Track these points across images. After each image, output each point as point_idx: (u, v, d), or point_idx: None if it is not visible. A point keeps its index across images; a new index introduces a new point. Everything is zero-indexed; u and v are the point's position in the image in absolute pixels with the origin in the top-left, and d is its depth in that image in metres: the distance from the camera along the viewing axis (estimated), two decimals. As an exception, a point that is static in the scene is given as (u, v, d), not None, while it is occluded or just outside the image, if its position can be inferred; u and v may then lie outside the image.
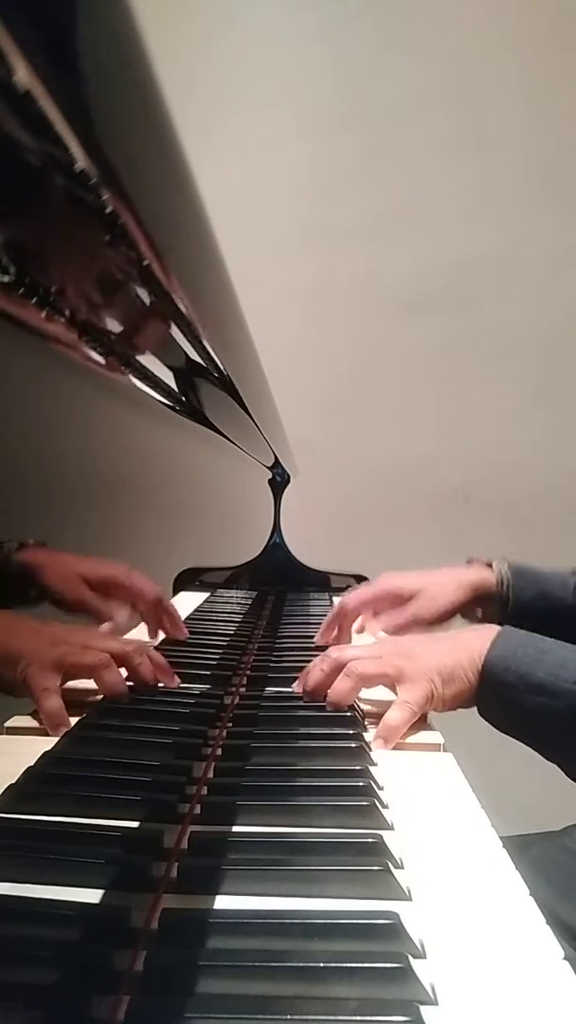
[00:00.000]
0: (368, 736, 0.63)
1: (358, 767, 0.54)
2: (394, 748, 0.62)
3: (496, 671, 0.63)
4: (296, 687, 0.72)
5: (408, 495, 1.91)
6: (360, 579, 1.46)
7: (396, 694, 0.66)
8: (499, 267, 1.88)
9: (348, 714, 0.66)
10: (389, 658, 0.67)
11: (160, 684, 0.70)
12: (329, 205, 1.89)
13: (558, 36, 1.80)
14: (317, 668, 0.69)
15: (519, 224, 1.85)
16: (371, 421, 1.94)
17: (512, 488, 1.89)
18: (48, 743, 0.56)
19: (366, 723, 0.67)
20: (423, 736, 0.64)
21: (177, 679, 0.72)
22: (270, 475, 1.50)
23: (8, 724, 0.61)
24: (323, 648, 0.91)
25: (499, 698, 0.63)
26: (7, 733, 0.60)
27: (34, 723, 0.61)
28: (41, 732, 0.59)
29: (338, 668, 0.67)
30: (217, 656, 0.86)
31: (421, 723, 0.66)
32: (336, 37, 1.83)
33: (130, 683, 0.67)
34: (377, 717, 0.66)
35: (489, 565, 0.87)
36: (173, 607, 0.91)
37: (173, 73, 0.30)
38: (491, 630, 0.67)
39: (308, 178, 1.88)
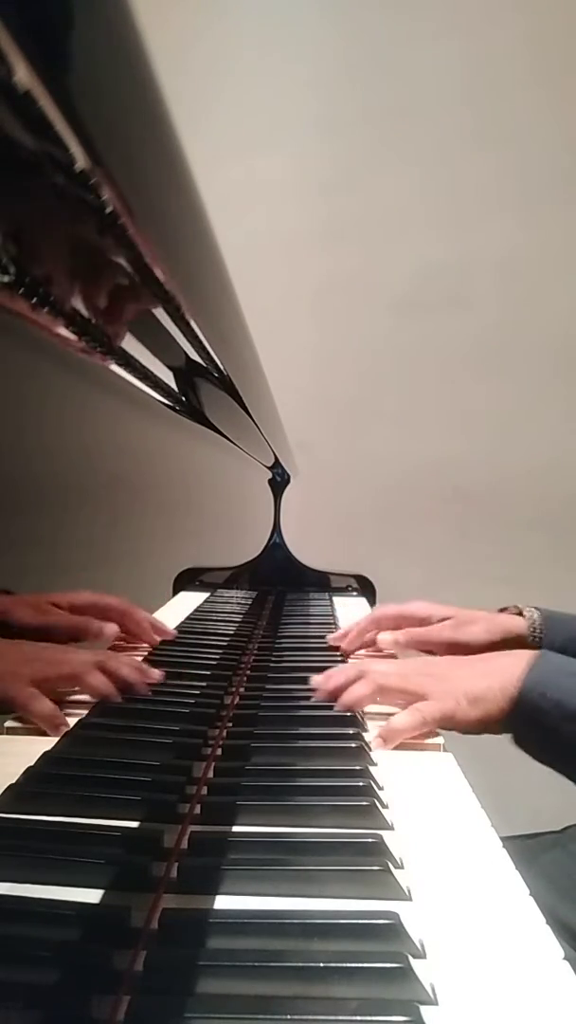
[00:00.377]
0: (368, 737, 0.63)
1: (358, 767, 0.54)
2: (394, 748, 0.62)
3: (532, 697, 0.61)
4: (316, 682, 0.71)
5: (408, 495, 1.91)
6: (360, 579, 1.46)
7: None
8: (501, 267, 1.88)
9: (348, 714, 0.66)
10: (416, 677, 0.66)
11: (146, 683, 0.69)
12: (330, 205, 1.89)
13: (542, 43, 1.79)
14: (343, 672, 0.69)
15: (521, 224, 1.85)
16: (371, 421, 1.94)
17: (512, 488, 1.89)
18: (48, 743, 0.56)
19: (366, 723, 0.67)
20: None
21: (158, 673, 0.70)
22: (270, 475, 1.50)
23: (8, 724, 0.61)
24: (334, 649, 0.91)
25: (535, 725, 0.61)
26: (7, 733, 0.60)
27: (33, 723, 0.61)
28: (41, 732, 0.59)
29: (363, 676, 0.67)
30: (217, 656, 0.86)
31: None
32: (338, 37, 1.83)
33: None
34: (379, 716, 0.66)
35: (520, 613, 0.86)
36: (144, 613, 0.90)
37: (173, 72, 0.30)
38: (527, 655, 0.65)
39: (309, 178, 1.88)
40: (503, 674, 0.63)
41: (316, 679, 0.71)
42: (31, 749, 0.54)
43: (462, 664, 0.69)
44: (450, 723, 0.63)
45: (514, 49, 1.80)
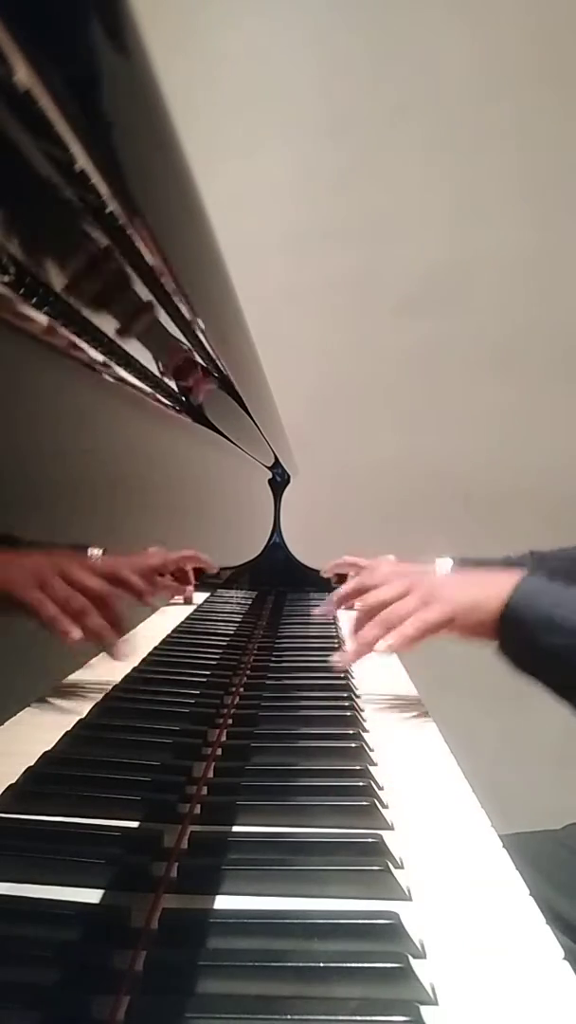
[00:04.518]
0: (368, 737, 0.63)
1: (358, 767, 0.54)
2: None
3: (518, 608, 0.66)
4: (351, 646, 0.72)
5: (408, 495, 1.91)
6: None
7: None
8: (496, 267, 1.88)
9: (348, 714, 0.66)
10: (413, 592, 0.70)
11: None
12: (327, 206, 1.89)
13: (547, 39, 1.79)
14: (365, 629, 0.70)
15: (516, 225, 1.85)
16: (371, 421, 1.94)
17: (512, 488, 1.89)
18: (48, 743, 0.56)
19: (365, 723, 0.67)
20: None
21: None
22: (270, 475, 1.50)
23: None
24: (334, 650, 0.92)
25: (519, 635, 0.66)
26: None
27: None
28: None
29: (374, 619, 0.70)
30: (217, 656, 0.86)
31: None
32: (330, 39, 1.83)
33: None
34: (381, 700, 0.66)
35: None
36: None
37: (171, 76, 0.30)
38: (516, 574, 0.70)
39: (306, 179, 1.88)
40: (496, 586, 0.69)
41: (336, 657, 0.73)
42: (31, 749, 0.54)
43: (456, 576, 0.77)
44: (451, 626, 0.68)
45: (515, 49, 1.80)
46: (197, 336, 0.53)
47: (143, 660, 0.81)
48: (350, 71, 1.84)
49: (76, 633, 0.55)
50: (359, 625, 0.71)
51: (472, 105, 1.83)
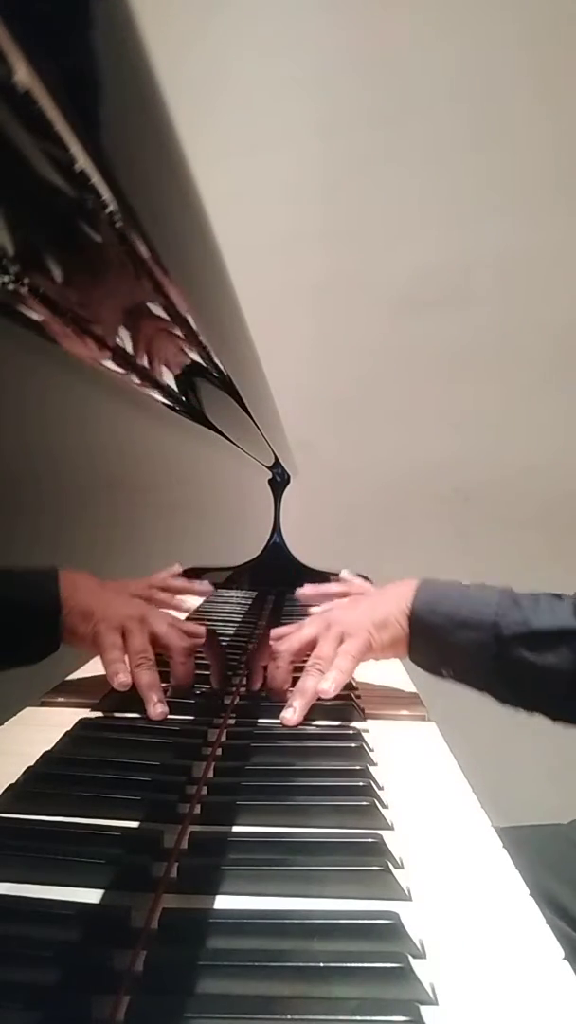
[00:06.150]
0: (368, 737, 0.63)
1: (358, 767, 0.54)
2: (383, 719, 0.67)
3: (424, 615, 0.69)
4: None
5: (408, 495, 1.91)
6: (360, 579, 1.46)
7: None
8: (501, 267, 1.88)
9: (348, 714, 0.66)
10: (326, 632, 0.72)
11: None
12: (331, 204, 1.89)
13: (565, 34, 1.79)
14: (275, 669, 0.72)
15: (522, 224, 1.85)
16: (372, 421, 1.94)
17: (512, 489, 1.89)
18: (48, 743, 0.56)
19: (366, 717, 0.67)
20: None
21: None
22: (270, 475, 1.50)
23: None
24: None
25: (429, 639, 0.69)
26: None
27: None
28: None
29: (290, 659, 0.71)
30: (217, 656, 0.86)
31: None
32: (341, 37, 1.83)
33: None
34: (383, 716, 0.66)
35: None
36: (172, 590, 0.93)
37: (173, 72, 0.30)
38: (412, 583, 0.73)
39: (309, 177, 1.88)
40: (397, 600, 0.71)
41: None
42: (31, 749, 0.54)
43: (356, 603, 0.77)
44: (370, 653, 0.70)
45: (512, 50, 1.80)
46: (197, 336, 0.53)
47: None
48: (347, 73, 1.84)
49: (125, 678, 0.62)
50: (276, 679, 0.71)
51: (466, 108, 1.83)
